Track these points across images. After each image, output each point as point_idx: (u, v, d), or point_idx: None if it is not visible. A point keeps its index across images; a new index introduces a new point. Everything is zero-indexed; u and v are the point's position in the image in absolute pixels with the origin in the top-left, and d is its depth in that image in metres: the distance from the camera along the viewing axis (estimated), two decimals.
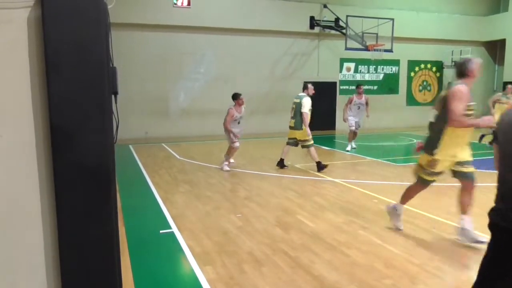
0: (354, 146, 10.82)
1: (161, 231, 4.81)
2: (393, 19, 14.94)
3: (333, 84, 16.50)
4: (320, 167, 7.97)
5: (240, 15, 14.64)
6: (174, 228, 4.86)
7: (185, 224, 5.03)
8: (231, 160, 8.45)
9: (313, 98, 8.08)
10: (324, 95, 16.20)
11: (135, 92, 13.37)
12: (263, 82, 15.15)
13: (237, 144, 8.12)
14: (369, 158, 9.67)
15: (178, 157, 10.00)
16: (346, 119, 10.66)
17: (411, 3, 17.21)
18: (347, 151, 10.62)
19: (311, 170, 8.14)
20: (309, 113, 7.92)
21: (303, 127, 7.92)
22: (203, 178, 7.62)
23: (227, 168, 8.20)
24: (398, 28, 15.29)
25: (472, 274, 3.75)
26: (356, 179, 7.42)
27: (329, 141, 13.37)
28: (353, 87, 16.73)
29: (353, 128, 10.66)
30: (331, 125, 16.30)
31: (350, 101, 10.67)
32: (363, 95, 10.65)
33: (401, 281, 3.52)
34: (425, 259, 3.96)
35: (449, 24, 17.85)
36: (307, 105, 7.91)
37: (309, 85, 8.19)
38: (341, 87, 16.55)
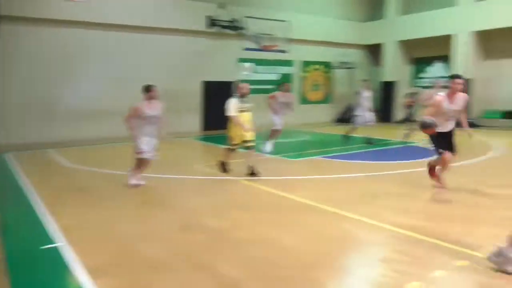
0: (270, 148, 10.15)
1: (46, 246, 4.31)
2: (288, 21, 15.60)
3: (231, 83, 16.68)
4: (223, 168, 7.84)
5: (137, 12, 14.05)
6: (64, 242, 4.41)
7: (77, 236, 4.62)
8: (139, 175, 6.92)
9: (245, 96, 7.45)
10: (223, 95, 16.29)
11: (19, 93, 12.07)
12: (161, 81, 14.57)
13: (148, 154, 6.55)
14: (267, 155, 9.95)
15: (69, 163, 9.21)
16: (275, 110, 10.14)
17: (305, 7, 18.19)
18: (267, 153, 10.05)
19: (215, 170, 8.13)
20: (237, 115, 7.27)
21: (230, 131, 7.53)
22: (99, 185, 7.12)
23: (135, 182, 6.75)
24: (293, 30, 16.04)
25: (364, 263, 4.07)
26: (258, 177, 7.54)
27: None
28: (253, 87, 17.14)
29: (279, 127, 10.38)
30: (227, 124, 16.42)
31: (273, 98, 10.18)
32: (288, 93, 10.30)
33: (301, 271, 3.67)
34: (323, 250, 4.18)
35: (336, 28, 19.26)
36: (230, 107, 7.34)
37: (240, 84, 7.65)
38: None
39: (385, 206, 5.66)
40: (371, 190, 6.68)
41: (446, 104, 5.85)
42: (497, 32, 15.98)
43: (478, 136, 12.97)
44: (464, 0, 16.84)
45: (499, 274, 3.55)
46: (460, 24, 16.81)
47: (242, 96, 7.46)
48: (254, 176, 7.40)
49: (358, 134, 12.17)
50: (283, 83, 10.80)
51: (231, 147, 7.62)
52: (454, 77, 5.99)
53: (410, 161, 9.09)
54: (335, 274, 3.68)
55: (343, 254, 4.11)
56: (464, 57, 16.89)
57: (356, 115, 11.83)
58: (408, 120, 16.08)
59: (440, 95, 5.93)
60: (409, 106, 16.36)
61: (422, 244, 4.25)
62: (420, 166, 8.47)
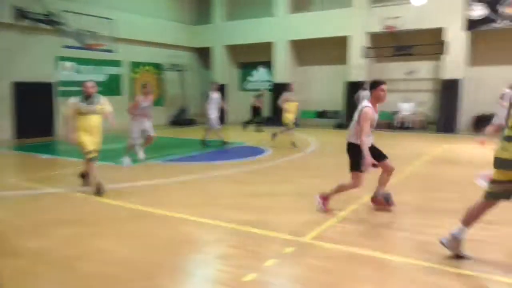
0: (142, 157, 9.37)
1: None
2: (113, 20, 14.80)
3: (50, 85, 14.97)
4: (83, 180, 6.79)
5: None
6: None
7: None
8: None
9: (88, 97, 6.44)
10: (39, 97, 14.52)
11: None
12: None
13: None
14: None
15: None
16: (137, 118, 9.13)
17: (131, 6, 17.53)
18: (141, 160, 9.29)
19: (36, 183, 7.13)
20: (71, 116, 6.39)
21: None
22: None
23: None
24: (120, 29, 15.29)
25: (203, 262, 4.12)
26: (86, 186, 6.88)
27: (49, 149, 12.08)
28: (77, 89, 15.54)
29: (151, 133, 9.38)
30: (49, 131, 14.67)
31: (136, 106, 9.14)
32: (150, 96, 9.31)
33: (142, 282, 3.50)
34: (162, 256, 4.07)
35: (165, 29, 19.17)
36: (67, 106, 6.45)
37: (85, 82, 6.53)
38: (60, 89, 15.20)
39: (220, 204, 5.87)
40: (208, 190, 6.84)
41: (375, 115, 5.04)
42: (307, 42, 18.32)
43: (299, 134, 14.63)
44: (280, 12, 18.77)
45: (324, 255, 4.03)
46: (278, 33, 18.68)
47: (88, 96, 6.43)
48: (100, 194, 6.35)
49: (210, 135, 12.09)
50: (144, 84, 9.72)
51: (86, 156, 6.48)
52: (378, 83, 5.01)
53: (244, 160, 9.66)
54: (176, 278, 3.62)
55: (182, 257, 4.08)
56: (282, 63, 18.85)
57: (209, 117, 11.65)
58: (256, 121, 17.11)
59: (368, 107, 4.97)
60: (257, 107, 17.45)
61: (254, 237, 4.54)
62: (253, 164, 9.09)
